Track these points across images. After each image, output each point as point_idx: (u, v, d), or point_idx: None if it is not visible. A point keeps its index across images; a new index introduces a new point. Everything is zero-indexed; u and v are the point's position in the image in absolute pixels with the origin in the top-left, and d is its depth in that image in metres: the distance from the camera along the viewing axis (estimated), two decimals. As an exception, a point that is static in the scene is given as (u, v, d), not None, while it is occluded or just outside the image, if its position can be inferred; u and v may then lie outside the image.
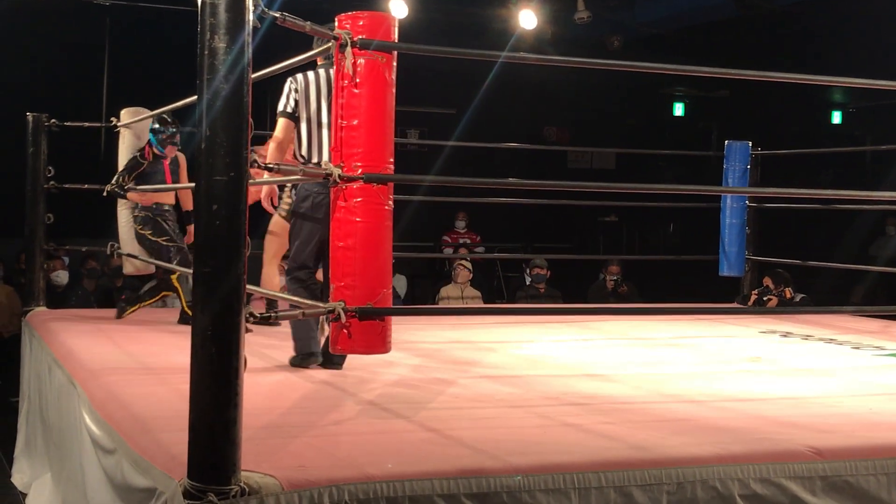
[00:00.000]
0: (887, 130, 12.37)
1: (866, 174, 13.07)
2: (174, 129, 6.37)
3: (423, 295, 11.07)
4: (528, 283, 10.20)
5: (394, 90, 3.44)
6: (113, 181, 6.34)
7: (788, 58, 12.07)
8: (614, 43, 11.83)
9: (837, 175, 13.12)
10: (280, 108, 4.58)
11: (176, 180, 6.46)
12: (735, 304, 7.87)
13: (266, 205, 5.01)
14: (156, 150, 6.34)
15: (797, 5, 11.02)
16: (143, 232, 6.31)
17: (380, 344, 3.40)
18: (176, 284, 6.35)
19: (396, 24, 3.42)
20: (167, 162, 6.45)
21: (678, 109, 15.13)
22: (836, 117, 14.62)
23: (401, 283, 10.25)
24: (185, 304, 6.25)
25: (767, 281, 8.24)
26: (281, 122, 4.59)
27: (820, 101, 14.49)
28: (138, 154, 6.34)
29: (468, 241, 11.85)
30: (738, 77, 4.12)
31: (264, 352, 5.02)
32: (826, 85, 12.67)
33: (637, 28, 12.08)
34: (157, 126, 6.35)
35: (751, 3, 10.00)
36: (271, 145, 4.64)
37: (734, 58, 11.84)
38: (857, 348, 5.99)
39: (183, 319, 6.20)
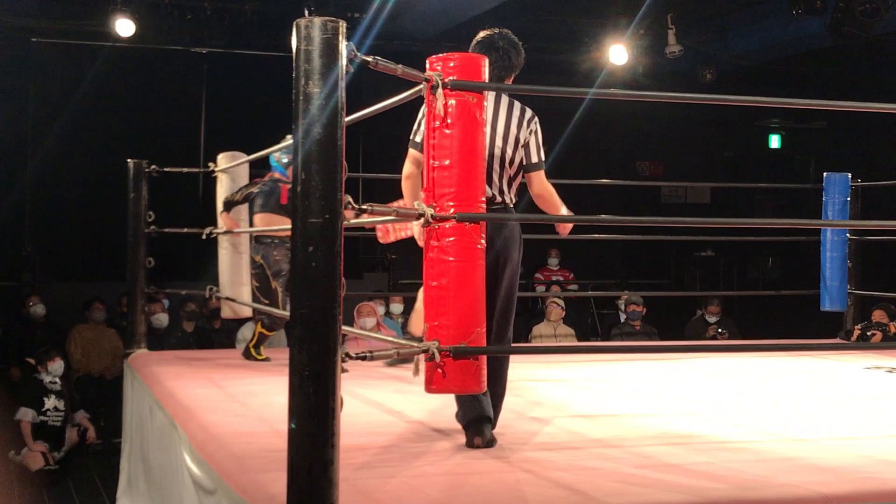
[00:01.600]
0: None
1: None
2: None
3: (515, 333, 11.00)
4: (622, 320, 10.11)
5: (485, 129, 3.46)
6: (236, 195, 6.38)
7: (887, 87, 11.82)
8: (707, 76, 11.73)
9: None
10: (411, 136, 3.92)
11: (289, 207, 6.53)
12: (838, 340, 7.68)
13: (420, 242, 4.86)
14: (276, 174, 6.35)
15: (894, 34, 10.80)
16: (267, 273, 6.28)
17: (474, 383, 3.39)
18: (259, 329, 6.37)
19: (487, 65, 3.44)
20: (287, 187, 6.35)
21: (774, 141, 14.90)
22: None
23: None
24: (251, 344, 6.35)
25: (879, 314, 8.03)
26: (409, 154, 3.92)
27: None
28: (262, 186, 6.35)
29: (561, 279, 11.79)
30: (835, 108, 4.05)
31: (359, 391, 5.05)
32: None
33: (730, 60, 11.96)
34: (283, 154, 6.33)
35: (847, 33, 9.82)
36: (403, 182, 3.99)
37: (831, 88, 11.66)
38: (968, 384, 5.79)
39: (246, 354, 6.34)
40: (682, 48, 10.75)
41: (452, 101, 3.31)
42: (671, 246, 12.61)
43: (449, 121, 3.29)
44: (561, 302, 9.52)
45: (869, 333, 8.52)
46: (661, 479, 3.32)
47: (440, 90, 3.25)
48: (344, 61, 2.74)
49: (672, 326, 10.41)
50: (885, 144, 12.68)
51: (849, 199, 7.48)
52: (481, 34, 4.07)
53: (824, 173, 7.63)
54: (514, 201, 4.05)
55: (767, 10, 10.87)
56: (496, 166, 3.94)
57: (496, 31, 4.05)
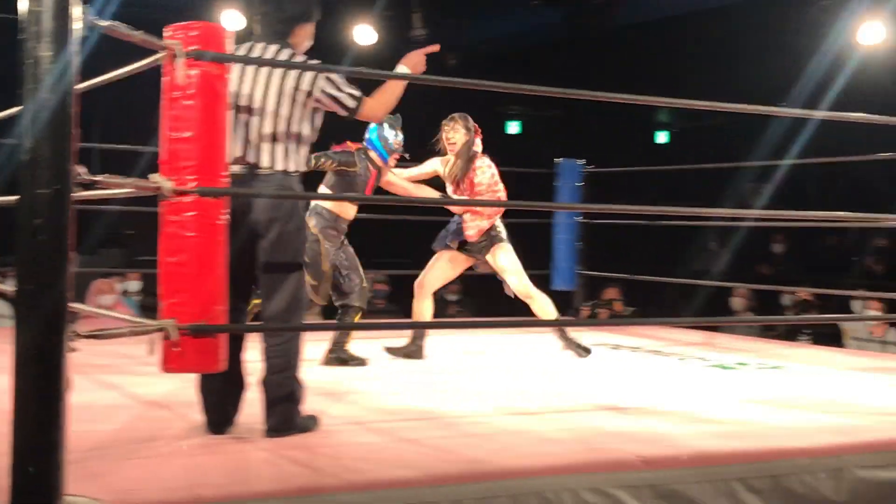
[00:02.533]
0: (709, 150, 12.92)
1: (690, 192, 13.60)
2: (402, 137, 5.70)
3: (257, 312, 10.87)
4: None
5: (227, 102, 3.38)
6: (313, 159, 5.43)
7: (620, 78, 12.46)
8: (450, 61, 11.97)
9: (663, 193, 13.61)
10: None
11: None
12: (568, 318, 8.05)
13: None
14: (372, 154, 5.69)
15: (628, 28, 11.39)
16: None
17: (213, 362, 3.33)
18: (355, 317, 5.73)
19: (231, 36, 3.37)
20: (375, 174, 5.74)
21: (513, 128, 15.41)
22: (662, 137, 15.16)
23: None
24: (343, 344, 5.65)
25: (613, 293, 8.52)
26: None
27: (647, 121, 15.00)
28: (348, 157, 5.59)
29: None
30: (570, 97, 4.21)
31: (91, 371, 4.85)
32: (653, 105, 13.12)
33: (473, 46, 12.25)
34: (389, 132, 5.69)
35: (583, 25, 10.28)
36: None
37: (568, 77, 12.16)
38: (683, 359, 6.21)
39: (339, 355, 5.63)
40: (427, 32, 10.90)
41: (193, 72, 3.22)
42: (414, 226, 12.77)
43: (190, 92, 3.20)
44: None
45: (597, 311, 9.00)
46: (398, 454, 3.38)
47: (181, 60, 3.15)
48: (77, 25, 2.61)
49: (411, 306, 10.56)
50: (615, 133, 13.38)
51: (580, 184, 7.86)
52: None
53: (558, 159, 7.97)
54: (294, 167, 3.73)
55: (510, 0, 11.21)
56: (259, 129, 3.68)
57: None
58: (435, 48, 4.16)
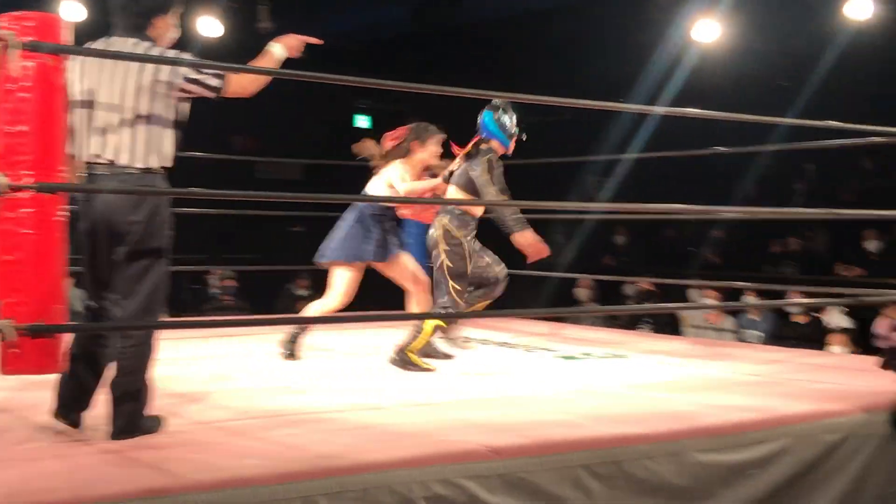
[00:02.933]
0: (555, 144, 13.18)
1: (536, 186, 13.86)
2: (517, 119, 5.27)
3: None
4: (215, 294, 10.05)
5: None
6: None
7: (466, 74, 12.60)
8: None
9: (509, 186, 13.84)
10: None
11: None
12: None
13: None
14: (494, 143, 5.37)
15: (475, 24, 11.53)
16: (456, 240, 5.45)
17: (52, 363, 3.24)
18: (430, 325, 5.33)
19: (69, 27, 3.27)
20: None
21: (363, 122, 15.42)
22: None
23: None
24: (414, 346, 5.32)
25: None
26: None
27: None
28: (492, 156, 5.30)
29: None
30: (418, 91, 4.23)
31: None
32: (501, 99, 13.31)
33: (322, 40, 12.20)
34: (504, 116, 5.33)
35: (428, 21, 10.36)
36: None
37: (414, 72, 12.25)
38: (530, 350, 6.33)
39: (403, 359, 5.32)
40: (274, 25, 10.80)
41: (30, 64, 3.12)
42: (263, 221, 12.67)
43: (25, 84, 3.10)
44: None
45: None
46: (248, 452, 3.34)
47: (15, 51, 3.04)
48: None
49: (263, 301, 10.49)
50: (463, 127, 13.52)
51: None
52: None
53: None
54: (157, 163, 3.55)
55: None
56: (118, 125, 3.49)
57: None
58: (318, 41, 4.09)
